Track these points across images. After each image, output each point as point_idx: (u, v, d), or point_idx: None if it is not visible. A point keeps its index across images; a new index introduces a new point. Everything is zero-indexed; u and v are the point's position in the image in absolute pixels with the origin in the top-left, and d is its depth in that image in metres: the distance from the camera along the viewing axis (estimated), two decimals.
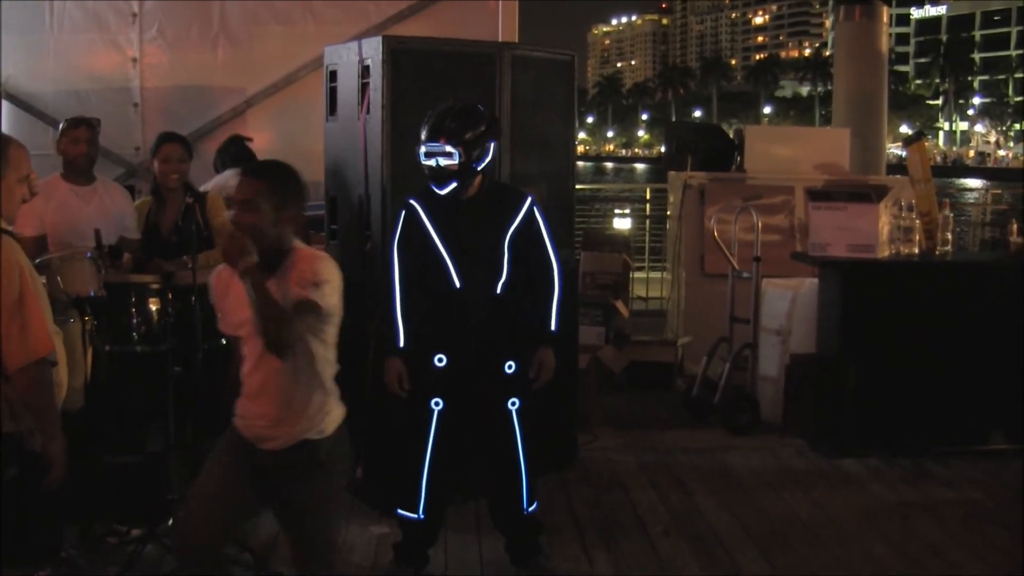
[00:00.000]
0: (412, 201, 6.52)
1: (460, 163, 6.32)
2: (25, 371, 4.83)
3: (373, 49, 7.63)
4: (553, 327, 6.56)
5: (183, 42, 11.75)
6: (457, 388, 6.52)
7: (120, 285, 7.03)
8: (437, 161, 6.33)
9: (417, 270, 6.50)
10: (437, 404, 6.49)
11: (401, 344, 6.49)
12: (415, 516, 6.59)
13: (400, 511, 6.66)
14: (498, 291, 6.49)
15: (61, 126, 8.07)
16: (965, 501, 8.25)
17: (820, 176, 12.07)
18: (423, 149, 6.35)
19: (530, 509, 6.70)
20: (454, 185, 6.40)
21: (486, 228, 6.49)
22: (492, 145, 6.48)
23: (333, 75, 8.22)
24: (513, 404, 6.53)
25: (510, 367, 6.52)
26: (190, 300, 6.83)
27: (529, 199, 6.58)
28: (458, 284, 6.44)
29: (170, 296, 7.02)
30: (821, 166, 12.31)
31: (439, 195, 6.44)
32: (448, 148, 6.31)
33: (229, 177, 9.03)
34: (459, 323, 6.49)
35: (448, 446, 6.55)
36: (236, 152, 9.91)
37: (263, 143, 11.76)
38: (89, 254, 6.65)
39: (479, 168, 6.43)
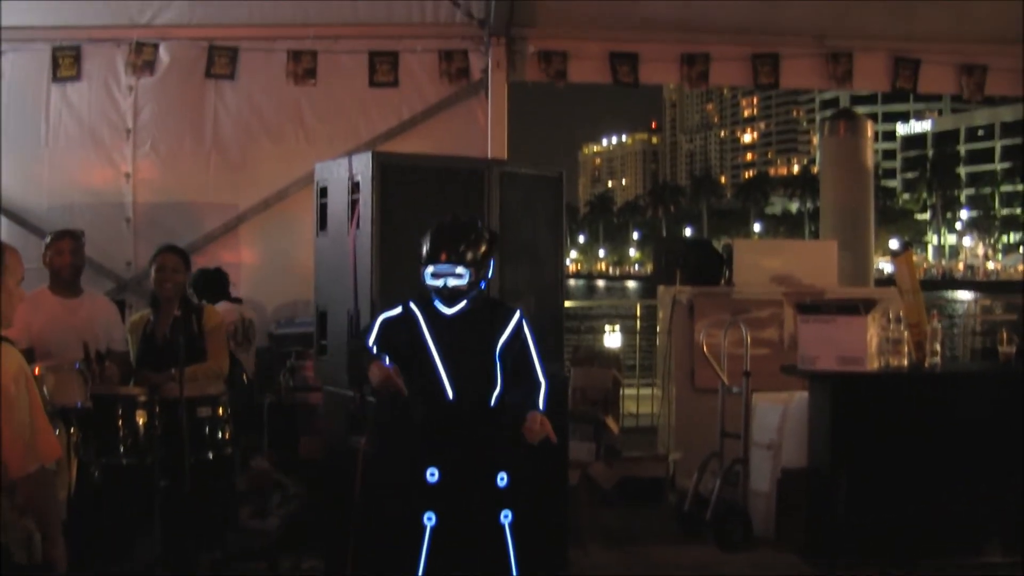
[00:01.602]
0: (412, 305, 6.53)
1: (469, 283, 6.36)
2: (32, 476, 4.84)
3: (363, 165, 7.69)
4: (541, 407, 6.48)
5: (176, 157, 11.85)
6: (449, 502, 6.48)
7: (107, 397, 7.03)
8: (446, 282, 6.35)
9: (391, 356, 6.48)
10: (430, 519, 6.45)
11: (371, 344, 6.49)
12: None
13: None
14: (492, 403, 6.49)
15: (47, 239, 8.11)
16: None
17: (808, 289, 12.09)
18: (430, 270, 6.36)
19: None
20: (463, 304, 6.43)
21: (477, 341, 6.49)
22: (493, 261, 6.52)
23: (324, 191, 8.27)
24: (506, 517, 6.49)
25: (502, 479, 6.49)
26: (177, 413, 6.82)
27: (518, 313, 6.60)
28: (451, 396, 6.44)
29: (157, 408, 7.01)
30: (810, 279, 12.34)
31: (435, 308, 6.46)
32: (459, 269, 6.32)
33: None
34: (452, 435, 6.47)
35: (441, 562, 6.50)
36: (204, 283, 10.07)
37: (254, 258, 11.85)
38: (77, 365, 6.65)
39: (484, 286, 6.47)
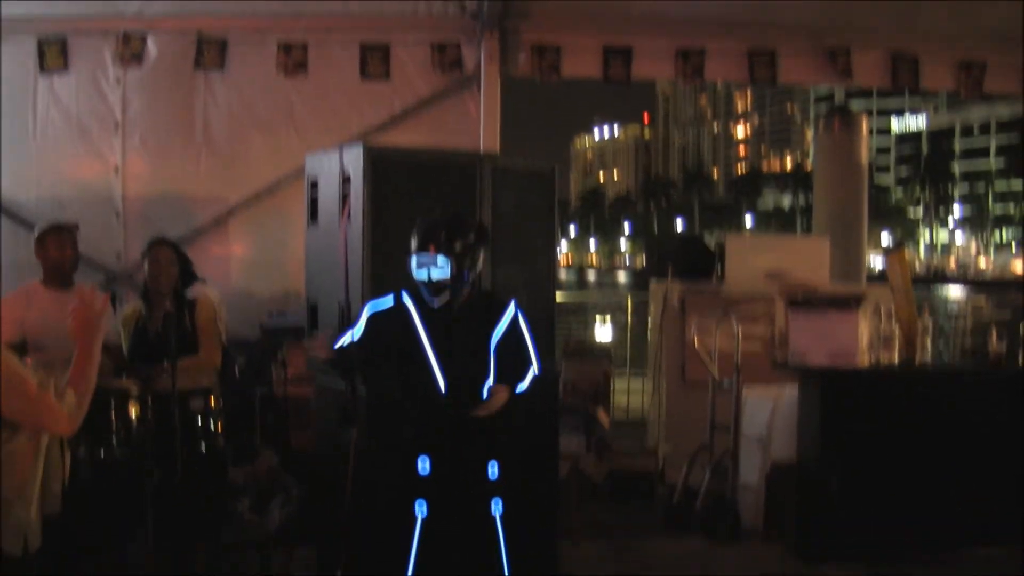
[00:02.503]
0: (405, 296, 6.56)
1: (452, 275, 6.39)
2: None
3: (354, 158, 7.69)
4: (519, 389, 6.59)
5: (165, 151, 11.79)
6: (440, 492, 6.51)
7: (100, 390, 7.01)
8: (429, 272, 6.39)
9: (379, 349, 6.52)
10: (421, 510, 6.47)
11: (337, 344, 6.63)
12: None
13: None
14: (484, 396, 6.51)
15: (37, 233, 8.11)
16: None
17: (800, 285, 12.10)
18: (414, 260, 6.41)
19: None
20: (446, 296, 6.46)
21: (472, 334, 6.54)
22: (481, 254, 6.55)
23: (315, 184, 8.28)
24: (496, 508, 6.52)
25: (493, 470, 6.52)
26: (169, 405, 6.82)
27: (513, 303, 6.65)
28: (443, 388, 6.47)
29: (150, 401, 7.02)
30: (802, 275, 12.35)
31: (423, 299, 6.50)
32: (440, 260, 6.37)
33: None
34: (443, 426, 6.50)
35: (431, 552, 6.52)
36: None
37: (245, 251, 11.82)
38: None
39: (468, 278, 6.49)
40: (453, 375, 6.51)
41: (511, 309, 6.66)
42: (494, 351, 6.57)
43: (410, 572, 6.49)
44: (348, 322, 7.70)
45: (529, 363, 6.66)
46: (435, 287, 6.45)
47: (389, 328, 6.54)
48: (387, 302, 6.60)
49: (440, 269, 6.40)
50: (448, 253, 6.40)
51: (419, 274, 6.44)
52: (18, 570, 5.09)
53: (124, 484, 7.01)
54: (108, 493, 7.02)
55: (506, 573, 6.59)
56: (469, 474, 6.53)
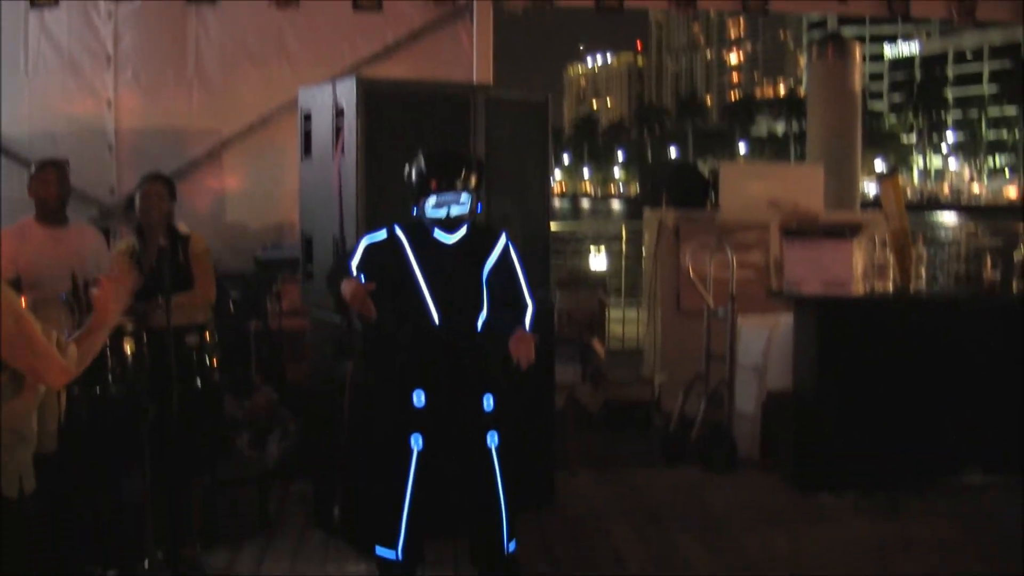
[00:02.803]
0: (397, 229, 6.56)
1: (470, 209, 6.41)
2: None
3: (347, 91, 7.65)
4: (527, 328, 6.54)
5: (158, 85, 11.75)
6: (436, 425, 6.53)
7: None
8: (449, 210, 6.40)
9: (376, 280, 6.50)
10: (417, 442, 6.50)
11: (352, 267, 6.58)
12: (394, 555, 6.58)
13: (378, 550, 6.64)
14: (478, 328, 6.53)
15: (31, 169, 8.08)
16: (942, 535, 8.24)
17: (794, 213, 12.10)
18: (432, 200, 6.41)
19: (510, 548, 6.70)
20: (463, 231, 6.49)
21: (465, 266, 6.55)
22: (481, 188, 6.58)
23: (308, 117, 8.23)
24: (492, 440, 6.55)
25: (489, 402, 6.55)
26: (165, 341, 6.81)
27: (504, 235, 6.66)
28: (437, 321, 6.48)
29: (145, 338, 7.01)
30: (796, 203, 12.34)
31: (421, 233, 6.50)
32: (463, 197, 6.40)
33: None
34: (437, 359, 6.52)
35: (428, 484, 6.55)
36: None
37: (239, 184, 11.80)
38: (63, 296, 6.64)
39: (480, 211, 6.52)
40: (446, 306, 6.52)
41: (502, 240, 6.67)
42: (486, 282, 6.58)
43: (407, 505, 6.52)
44: (343, 255, 7.70)
45: (523, 297, 6.65)
46: (453, 223, 6.47)
47: (383, 261, 6.54)
48: (381, 235, 6.60)
49: (461, 205, 6.42)
50: (470, 189, 6.43)
51: (436, 212, 6.44)
52: (14, 511, 5.11)
53: (120, 421, 7.00)
54: (104, 430, 7.03)
55: (502, 504, 6.62)
56: (464, 407, 6.55)
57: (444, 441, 6.56)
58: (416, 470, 6.51)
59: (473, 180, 6.47)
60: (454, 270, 6.53)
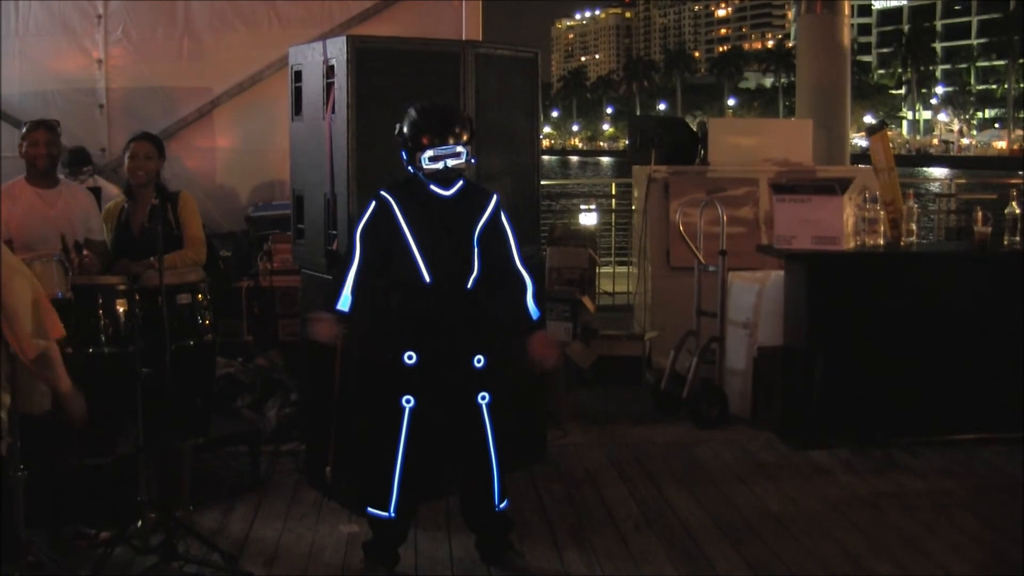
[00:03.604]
0: (384, 194, 6.54)
1: (466, 161, 6.43)
2: (43, 355, 5.41)
3: (337, 49, 7.63)
4: (535, 317, 6.62)
5: (148, 43, 11.73)
6: (427, 384, 6.53)
7: (87, 287, 7.03)
8: (446, 163, 6.41)
9: (380, 262, 6.52)
10: (408, 402, 6.50)
11: (340, 306, 6.50)
12: (386, 515, 6.60)
13: (370, 510, 6.66)
14: (468, 286, 6.53)
15: (22, 129, 8.07)
16: (935, 490, 8.28)
17: (784, 168, 12.10)
18: (429, 153, 6.42)
19: (501, 506, 6.72)
20: (460, 183, 6.50)
21: (456, 223, 6.54)
22: (471, 143, 6.57)
23: (298, 75, 8.21)
24: (483, 399, 6.56)
25: (479, 361, 6.55)
26: (157, 301, 6.81)
27: (495, 198, 6.64)
28: (428, 279, 6.48)
29: (137, 297, 7.01)
30: (785, 158, 12.34)
31: (414, 190, 6.51)
32: (459, 149, 6.42)
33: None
34: (428, 318, 6.53)
35: (420, 444, 6.56)
36: (72, 160, 10.17)
37: (230, 142, 11.79)
38: (56, 256, 6.64)
39: (474, 163, 6.56)
40: (437, 265, 6.51)
41: (494, 201, 6.65)
42: (477, 242, 6.57)
43: (399, 464, 6.54)
44: (333, 213, 7.70)
45: (514, 267, 6.62)
46: (449, 175, 6.47)
47: (378, 231, 6.53)
48: (370, 209, 6.57)
49: (457, 157, 6.43)
50: (464, 142, 6.44)
51: (433, 165, 6.44)
52: None
53: (113, 381, 7.01)
54: (97, 391, 7.03)
55: (493, 463, 6.64)
56: (455, 366, 6.55)
57: (435, 400, 6.57)
58: (408, 429, 6.52)
59: (466, 135, 6.47)
60: (449, 226, 6.52)
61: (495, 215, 6.60)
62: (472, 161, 6.58)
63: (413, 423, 6.53)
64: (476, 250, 6.54)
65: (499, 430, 6.62)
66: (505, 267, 6.59)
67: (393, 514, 6.59)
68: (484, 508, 6.72)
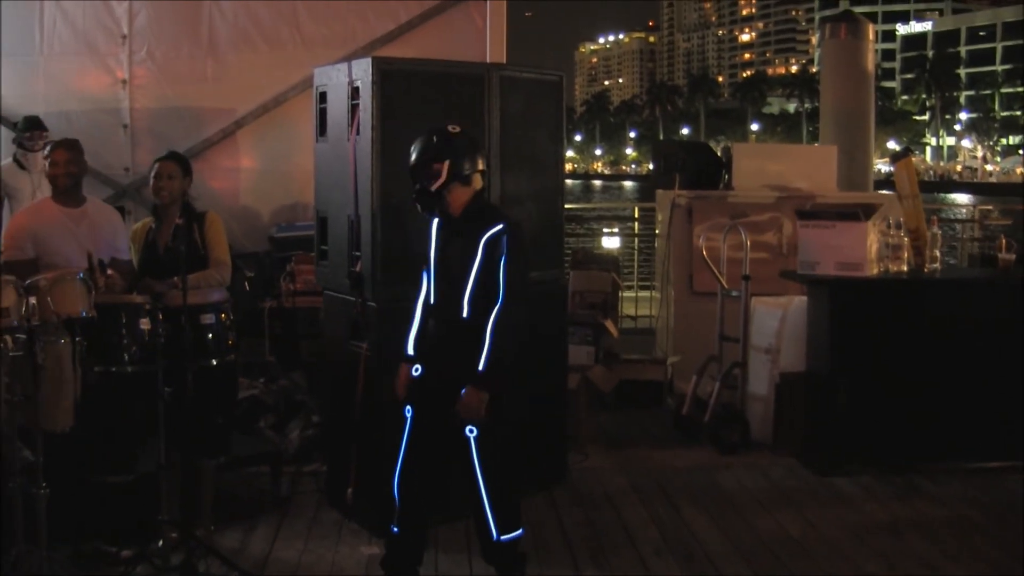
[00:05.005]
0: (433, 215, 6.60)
1: (450, 176, 6.45)
2: None
3: (363, 70, 7.65)
4: (480, 367, 6.37)
5: (172, 64, 11.75)
6: (426, 400, 6.53)
7: (111, 306, 7.04)
8: (422, 185, 6.51)
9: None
10: (409, 411, 6.52)
11: (408, 351, 6.66)
12: (393, 530, 6.60)
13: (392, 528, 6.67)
14: (463, 314, 6.49)
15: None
16: (957, 518, 8.25)
17: (808, 194, 12.08)
18: (417, 186, 6.51)
19: (503, 538, 6.55)
20: (471, 205, 6.57)
21: (461, 249, 6.50)
22: (446, 164, 6.48)
23: (323, 96, 8.23)
24: (471, 432, 6.46)
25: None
26: (181, 320, 6.83)
27: (501, 226, 6.45)
28: (433, 300, 6.53)
29: (160, 317, 7.02)
30: (809, 184, 12.32)
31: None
32: (435, 167, 6.45)
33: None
34: (432, 338, 6.57)
35: (419, 455, 6.54)
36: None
37: (253, 163, 11.82)
38: (80, 275, 6.65)
39: (432, 188, 6.46)
40: (442, 288, 6.55)
41: (497, 229, 6.44)
42: (474, 268, 6.48)
43: (396, 474, 6.54)
44: (357, 235, 7.72)
45: (497, 286, 6.43)
46: (445, 196, 6.52)
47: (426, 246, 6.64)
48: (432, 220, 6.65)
49: (435, 178, 6.48)
50: (438, 159, 6.50)
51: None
52: None
53: (135, 400, 7.03)
54: (119, 409, 7.05)
55: (483, 492, 6.47)
56: (448, 392, 6.47)
57: (432, 419, 6.54)
58: (408, 438, 6.52)
59: (442, 155, 6.43)
60: (452, 252, 6.52)
61: (493, 241, 6.42)
62: (465, 172, 6.49)
63: (412, 433, 6.53)
64: (472, 275, 6.47)
65: (490, 463, 6.49)
66: (492, 293, 6.43)
67: (395, 528, 6.58)
68: (483, 538, 6.65)
